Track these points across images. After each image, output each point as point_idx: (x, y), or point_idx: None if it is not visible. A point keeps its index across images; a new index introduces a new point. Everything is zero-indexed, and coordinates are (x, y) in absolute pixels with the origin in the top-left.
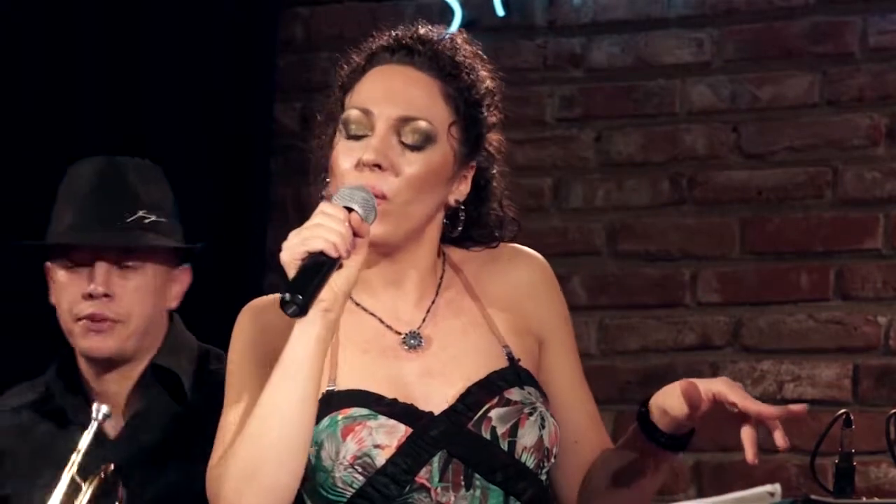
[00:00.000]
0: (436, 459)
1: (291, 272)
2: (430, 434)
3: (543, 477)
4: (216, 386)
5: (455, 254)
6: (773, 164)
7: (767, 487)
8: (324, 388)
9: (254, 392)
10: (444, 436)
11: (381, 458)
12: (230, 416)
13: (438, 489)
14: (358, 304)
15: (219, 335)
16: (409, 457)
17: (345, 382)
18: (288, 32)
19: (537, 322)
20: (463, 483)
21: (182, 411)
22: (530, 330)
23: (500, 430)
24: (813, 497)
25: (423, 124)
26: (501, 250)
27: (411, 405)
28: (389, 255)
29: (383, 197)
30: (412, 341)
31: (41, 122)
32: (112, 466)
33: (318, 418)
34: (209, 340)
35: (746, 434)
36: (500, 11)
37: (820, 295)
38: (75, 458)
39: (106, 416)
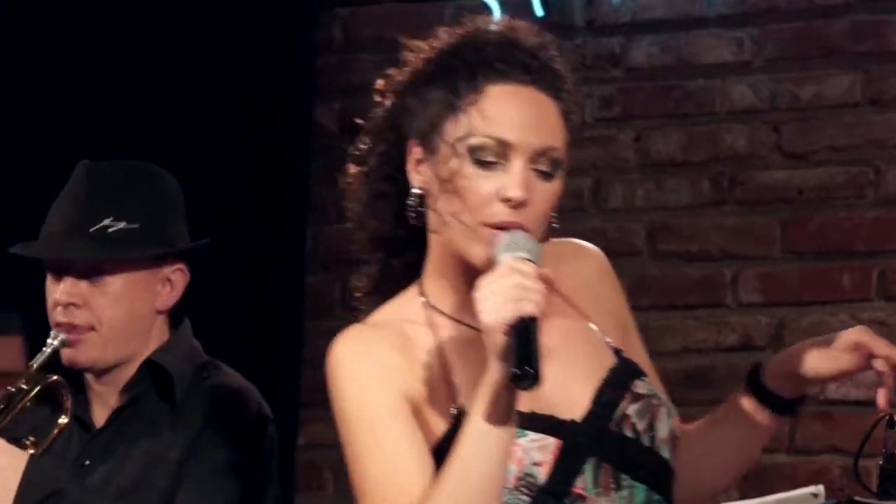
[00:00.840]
0: (588, 467)
1: (498, 337)
2: (579, 442)
3: (673, 464)
4: (207, 393)
5: None
6: (815, 164)
7: (811, 489)
8: (450, 409)
9: (400, 439)
10: (592, 442)
11: (541, 476)
12: (382, 468)
13: (593, 496)
14: (460, 321)
15: (256, 337)
16: (564, 470)
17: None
18: (327, 34)
19: (615, 311)
20: (613, 485)
21: (169, 412)
22: (614, 319)
23: (640, 427)
24: (857, 499)
25: (557, 153)
26: (562, 246)
27: (551, 416)
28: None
29: (527, 231)
30: None
31: (78, 122)
32: (56, 377)
33: (455, 441)
34: (247, 341)
35: (889, 381)
36: (539, 11)
37: (862, 295)
38: (25, 372)
39: (63, 343)
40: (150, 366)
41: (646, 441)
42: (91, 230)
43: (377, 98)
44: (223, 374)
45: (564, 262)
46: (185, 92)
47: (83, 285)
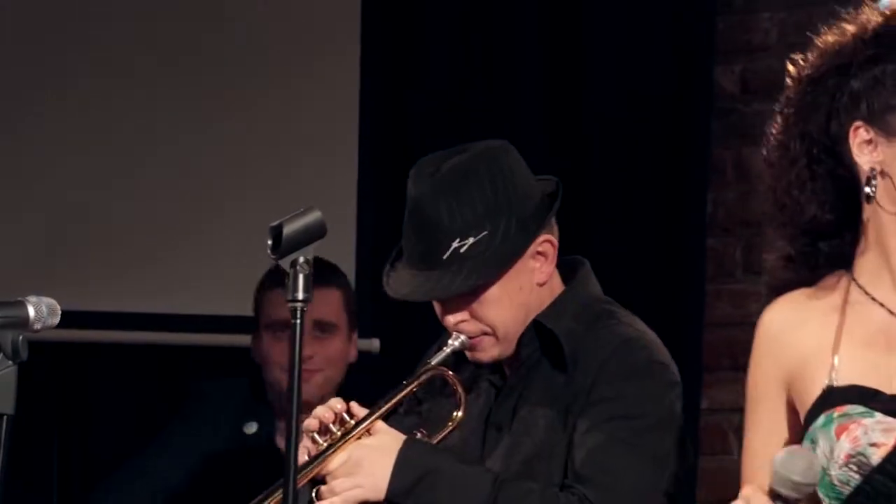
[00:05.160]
0: None
1: None
2: None
3: None
4: (599, 345)
5: None
6: None
7: None
8: (823, 384)
9: (757, 424)
10: None
11: (875, 457)
12: (754, 443)
13: None
14: (868, 294)
15: (658, 300)
16: None
17: (844, 377)
18: None
19: None
20: None
21: (562, 369)
22: None
23: None
24: None
25: None
26: None
27: None
28: None
29: None
30: None
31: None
32: (449, 372)
33: (815, 416)
34: (648, 304)
35: None
36: None
37: None
38: (422, 367)
39: (464, 345)
40: (537, 326)
41: None
42: (444, 258)
43: (789, 81)
44: (619, 322)
45: None
46: (585, 53)
47: (461, 304)
